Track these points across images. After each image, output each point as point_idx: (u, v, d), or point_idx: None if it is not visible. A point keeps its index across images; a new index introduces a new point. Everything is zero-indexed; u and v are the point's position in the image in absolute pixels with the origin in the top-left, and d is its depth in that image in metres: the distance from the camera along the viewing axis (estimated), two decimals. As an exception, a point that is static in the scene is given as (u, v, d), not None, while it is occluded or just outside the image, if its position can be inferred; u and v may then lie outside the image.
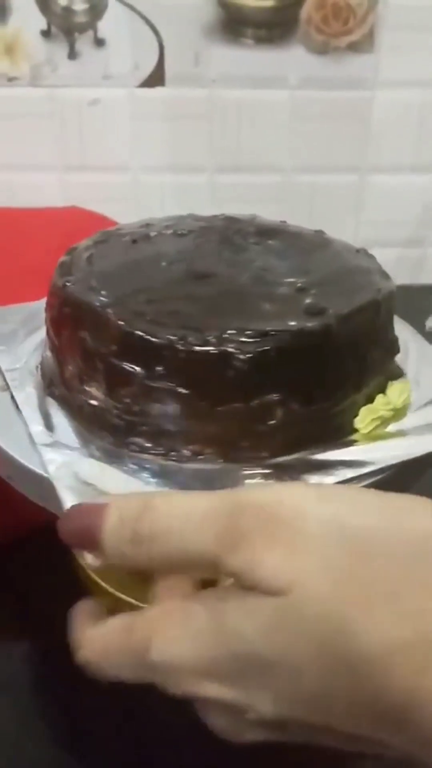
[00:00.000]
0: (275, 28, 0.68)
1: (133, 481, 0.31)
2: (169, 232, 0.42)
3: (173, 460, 0.33)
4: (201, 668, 0.22)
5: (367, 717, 0.20)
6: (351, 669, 0.20)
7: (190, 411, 0.32)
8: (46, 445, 0.33)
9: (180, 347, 0.31)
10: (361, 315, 0.34)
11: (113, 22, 0.67)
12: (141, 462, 0.33)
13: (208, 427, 0.32)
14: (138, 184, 0.75)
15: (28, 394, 0.37)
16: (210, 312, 0.33)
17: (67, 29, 0.67)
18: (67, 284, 0.36)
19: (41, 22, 0.66)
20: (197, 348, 0.31)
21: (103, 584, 0.42)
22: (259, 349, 0.31)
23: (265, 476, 0.32)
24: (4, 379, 0.38)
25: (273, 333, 0.31)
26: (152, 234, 0.41)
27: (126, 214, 0.48)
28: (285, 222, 0.45)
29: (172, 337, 0.31)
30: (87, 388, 0.35)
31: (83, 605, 0.26)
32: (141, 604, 0.34)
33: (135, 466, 0.33)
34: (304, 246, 0.40)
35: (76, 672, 0.40)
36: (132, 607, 0.31)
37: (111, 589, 0.39)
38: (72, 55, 0.68)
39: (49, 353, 0.39)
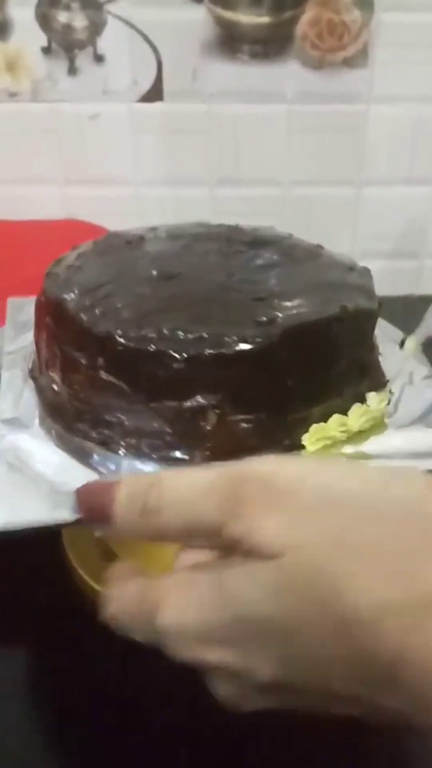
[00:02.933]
0: (271, 44, 0.69)
1: (72, 464, 0.32)
2: (164, 236, 0.43)
3: (112, 451, 0.33)
4: (203, 633, 0.23)
5: (361, 677, 0.21)
6: (343, 629, 0.20)
7: (127, 404, 0.33)
8: (5, 420, 0.35)
9: (118, 340, 0.32)
10: (316, 330, 0.34)
11: (112, 39, 0.68)
12: (84, 448, 0.34)
13: (143, 422, 0.33)
14: (138, 198, 0.76)
15: (13, 375, 0.39)
16: (160, 311, 0.34)
17: (67, 46, 0.68)
18: (48, 277, 0.38)
19: (42, 39, 0.68)
20: (134, 342, 0.32)
21: (96, 586, 0.42)
22: (193, 351, 0.31)
23: None
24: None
25: (207, 336, 0.32)
26: (148, 237, 0.42)
27: (127, 227, 0.48)
28: (291, 235, 0.45)
29: (112, 330, 0.32)
30: (51, 374, 0.36)
31: (116, 567, 0.27)
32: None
33: (78, 452, 0.34)
34: (293, 258, 0.40)
35: (72, 672, 0.41)
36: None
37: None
38: (72, 71, 0.69)
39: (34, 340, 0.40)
